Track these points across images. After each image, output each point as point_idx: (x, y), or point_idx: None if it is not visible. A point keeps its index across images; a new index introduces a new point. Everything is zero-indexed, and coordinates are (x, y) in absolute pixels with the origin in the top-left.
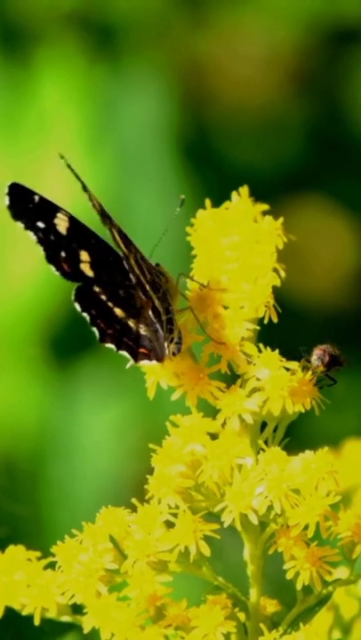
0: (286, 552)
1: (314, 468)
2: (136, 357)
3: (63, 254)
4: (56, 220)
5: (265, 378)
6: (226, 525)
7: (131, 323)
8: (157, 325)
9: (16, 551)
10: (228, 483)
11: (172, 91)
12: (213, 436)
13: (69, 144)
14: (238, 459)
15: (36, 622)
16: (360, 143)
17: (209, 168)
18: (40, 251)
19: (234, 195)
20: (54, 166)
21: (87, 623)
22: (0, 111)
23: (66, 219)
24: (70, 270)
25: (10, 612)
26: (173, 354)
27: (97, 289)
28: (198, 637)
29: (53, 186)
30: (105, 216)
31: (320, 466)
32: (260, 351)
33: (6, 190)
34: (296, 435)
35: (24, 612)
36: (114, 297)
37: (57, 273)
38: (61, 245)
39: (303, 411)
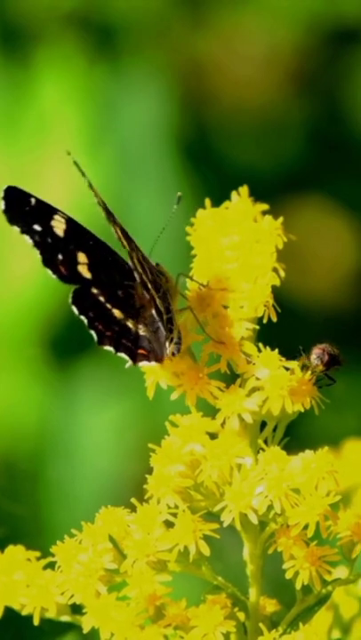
0: (286, 551)
1: (314, 468)
2: (135, 359)
3: (60, 257)
4: (53, 223)
5: (264, 377)
6: (225, 525)
7: (130, 323)
8: (159, 324)
9: (16, 551)
10: (228, 482)
11: (172, 91)
12: (213, 436)
13: (69, 144)
14: (238, 458)
15: (36, 622)
16: (360, 143)
17: (209, 168)
18: (37, 254)
19: (234, 194)
20: (54, 166)
21: (87, 623)
22: (0, 111)
23: (63, 220)
24: (67, 273)
25: (9, 612)
26: (173, 354)
27: (95, 290)
28: (198, 637)
29: (53, 186)
30: (110, 214)
31: (320, 465)
32: (259, 351)
33: (2, 194)
34: (296, 434)
35: (24, 612)
36: (112, 298)
37: (54, 276)
38: (58, 248)
39: (303, 410)
